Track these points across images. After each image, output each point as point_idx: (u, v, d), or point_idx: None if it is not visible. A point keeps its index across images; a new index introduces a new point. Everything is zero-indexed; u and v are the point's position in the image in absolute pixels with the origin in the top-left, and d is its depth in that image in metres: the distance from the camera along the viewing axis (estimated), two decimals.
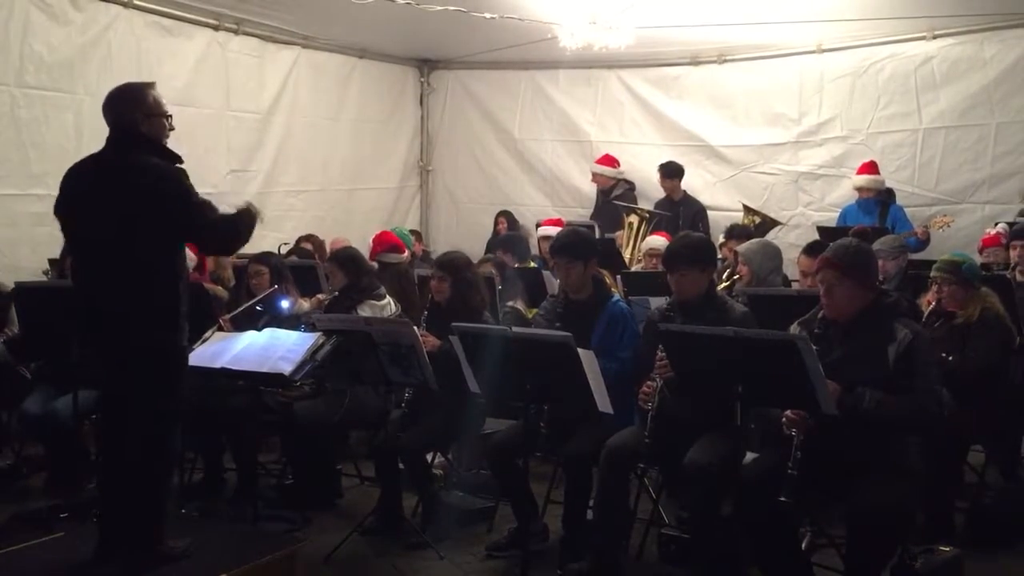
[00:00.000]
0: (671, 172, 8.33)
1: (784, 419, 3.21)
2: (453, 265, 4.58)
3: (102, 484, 3.61)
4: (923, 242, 6.77)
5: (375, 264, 5.76)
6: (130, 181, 3.32)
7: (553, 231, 6.47)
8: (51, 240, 5.91)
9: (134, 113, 3.40)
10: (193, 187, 3.44)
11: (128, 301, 3.35)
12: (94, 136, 4.07)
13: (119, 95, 3.46)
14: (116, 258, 3.35)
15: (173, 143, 3.53)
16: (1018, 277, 5.17)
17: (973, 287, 4.33)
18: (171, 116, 3.52)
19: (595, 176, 8.72)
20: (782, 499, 3.05)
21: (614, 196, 8.45)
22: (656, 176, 8.43)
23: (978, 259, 5.75)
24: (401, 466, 4.43)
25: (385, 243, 6.06)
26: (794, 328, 3.44)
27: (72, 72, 6.47)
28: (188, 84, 7.22)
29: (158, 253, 3.39)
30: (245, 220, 3.53)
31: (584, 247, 4.21)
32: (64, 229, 3.53)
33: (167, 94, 3.62)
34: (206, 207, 3.43)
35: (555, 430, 3.80)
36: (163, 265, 3.40)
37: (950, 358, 4.14)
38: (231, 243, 3.68)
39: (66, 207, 3.46)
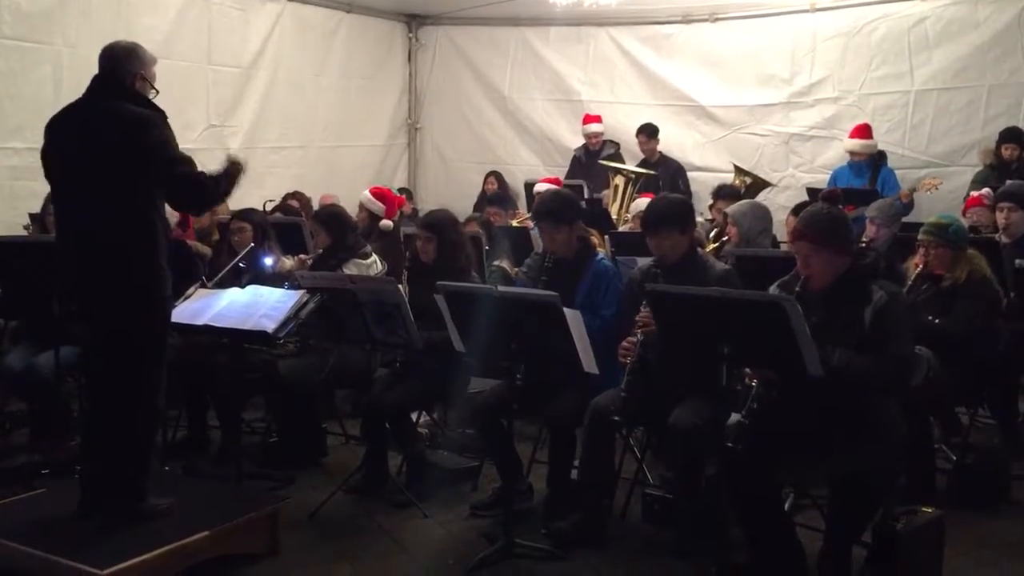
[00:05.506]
0: (653, 132, 8.26)
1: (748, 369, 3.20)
2: (439, 225, 4.52)
3: (85, 439, 3.59)
4: (907, 207, 6.74)
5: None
6: (114, 125, 3.29)
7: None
8: (29, 195, 5.80)
9: (136, 72, 3.43)
10: (174, 138, 3.40)
11: (109, 250, 3.32)
12: (73, 88, 3.99)
13: (129, 52, 3.46)
14: (96, 204, 3.31)
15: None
16: (1004, 239, 5.16)
17: (960, 249, 4.30)
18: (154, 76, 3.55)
19: (591, 136, 8.59)
20: (728, 444, 3.05)
21: (605, 156, 8.37)
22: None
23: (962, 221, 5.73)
24: (388, 425, 4.43)
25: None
26: (773, 290, 3.40)
27: (50, 22, 6.31)
28: (168, 36, 7.06)
29: (138, 199, 3.34)
30: (223, 181, 3.47)
31: (567, 210, 4.16)
32: (48, 175, 3.49)
33: (146, 46, 3.56)
34: (183, 161, 3.37)
35: (540, 390, 3.79)
36: (143, 213, 3.35)
37: (936, 321, 4.13)
38: (202, 201, 3.62)
39: (50, 152, 3.44)
